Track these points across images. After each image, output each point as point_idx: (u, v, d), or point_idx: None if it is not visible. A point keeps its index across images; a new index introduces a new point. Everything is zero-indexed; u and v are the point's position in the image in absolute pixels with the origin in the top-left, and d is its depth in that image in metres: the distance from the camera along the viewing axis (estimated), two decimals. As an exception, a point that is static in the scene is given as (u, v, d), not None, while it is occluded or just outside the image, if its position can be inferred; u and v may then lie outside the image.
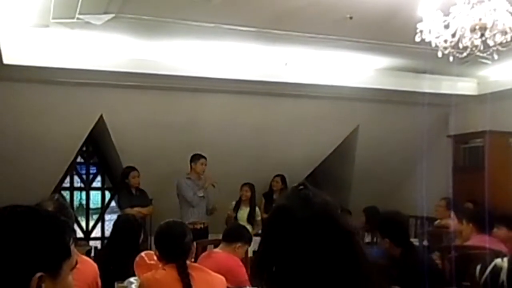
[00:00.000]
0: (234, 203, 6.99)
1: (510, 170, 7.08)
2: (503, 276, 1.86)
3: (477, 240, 4.25)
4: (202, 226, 6.44)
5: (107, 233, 8.19)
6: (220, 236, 4.33)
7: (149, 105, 6.68)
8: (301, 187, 1.32)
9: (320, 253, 1.23)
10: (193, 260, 3.23)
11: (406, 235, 3.65)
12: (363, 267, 1.25)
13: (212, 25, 5.02)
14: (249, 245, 4.39)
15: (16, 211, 1.24)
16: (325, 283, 1.22)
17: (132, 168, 6.65)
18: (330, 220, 1.28)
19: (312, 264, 1.22)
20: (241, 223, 6.62)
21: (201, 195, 6.56)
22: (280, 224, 1.29)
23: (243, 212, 6.93)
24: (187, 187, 6.54)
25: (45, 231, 1.23)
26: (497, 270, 1.89)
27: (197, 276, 2.89)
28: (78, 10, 4.51)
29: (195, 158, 6.60)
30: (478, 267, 1.99)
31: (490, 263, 1.96)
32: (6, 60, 5.38)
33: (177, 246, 2.95)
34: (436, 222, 6.32)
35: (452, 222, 5.59)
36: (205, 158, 6.59)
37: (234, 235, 4.25)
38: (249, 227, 6.56)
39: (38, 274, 1.17)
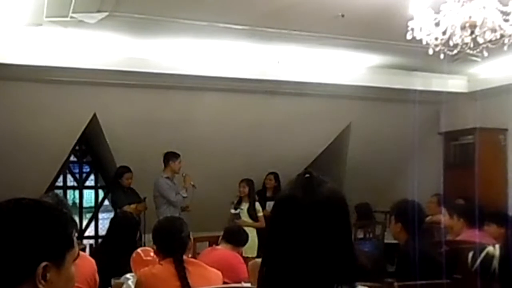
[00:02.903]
0: (235, 201, 6.91)
1: (500, 166, 7.18)
2: (495, 263, 1.90)
3: (468, 235, 4.32)
4: None
5: (101, 231, 8.20)
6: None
7: (142, 103, 6.69)
8: (307, 175, 1.34)
9: (321, 240, 1.25)
10: (190, 255, 3.27)
11: (419, 224, 3.66)
12: (357, 256, 1.29)
13: (205, 23, 5.05)
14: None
15: (21, 203, 1.28)
16: (324, 269, 1.25)
17: (127, 169, 6.67)
18: (334, 208, 1.30)
19: (312, 251, 1.25)
20: (244, 218, 6.68)
21: (185, 195, 6.45)
22: (284, 213, 1.31)
23: (244, 208, 6.87)
24: (169, 188, 6.40)
25: (50, 222, 1.26)
26: (489, 257, 1.92)
27: (194, 271, 2.94)
28: (71, 8, 4.52)
29: (173, 156, 6.45)
30: (470, 254, 2.02)
31: (477, 254, 1.99)
32: (-1, 59, 5.39)
33: (175, 240, 2.99)
34: (428, 218, 6.37)
35: (443, 217, 5.65)
36: (180, 156, 6.49)
37: (240, 240, 4.38)
38: (250, 222, 6.61)
39: (44, 263, 1.20)
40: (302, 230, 1.26)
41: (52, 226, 1.26)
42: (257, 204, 6.95)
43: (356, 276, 1.30)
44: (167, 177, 6.48)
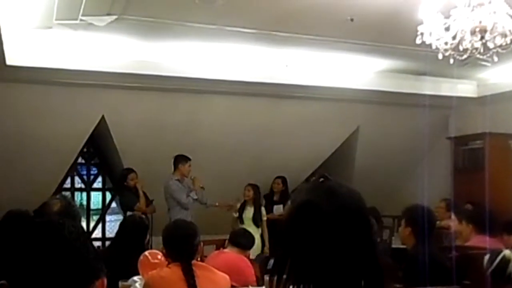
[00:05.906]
0: (239, 204, 6.91)
1: (510, 171, 7.11)
2: (511, 267, 1.87)
3: (477, 240, 4.28)
4: None
5: (108, 233, 8.22)
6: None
7: (150, 106, 6.71)
8: (322, 179, 1.29)
9: (347, 245, 1.21)
10: (199, 259, 3.27)
11: (430, 230, 3.62)
12: (379, 259, 1.26)
13: (214, 27, 5.06)
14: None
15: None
16: (349, 274, 1.21)
17: (130, 170, 6.70)
18: (356, 211, 1.26)
19: (339, 256, 1.21)
20: (246, 222, 6.66)
21: (195, 197, 6.49)
22: (306, 220, 1.24)
23: (248, 213, 6.84)
24: (179, 190, 6.44)
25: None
26: (505, 261, 1.90)
27: (201, 275, 2.93)
28: (81, 11, 4.55)
29: (183, 159, 6.49)
30: (487, 257, 1.99)
31: (494, 257, 1.96)
32: (9, 61, 5.41)
33: (187, 247, 2.98)
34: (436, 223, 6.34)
35: (452, 223, 5.61)
36: (190, 159, 6.55)
37: (247, 243, 4.38)
38: (253, 227, 6.58)
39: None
40: (329, 236, 1.21)
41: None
42: (263, 209, 6.94)
43: (382, 279, 1.27)
44: (177, 179, 6.50)
